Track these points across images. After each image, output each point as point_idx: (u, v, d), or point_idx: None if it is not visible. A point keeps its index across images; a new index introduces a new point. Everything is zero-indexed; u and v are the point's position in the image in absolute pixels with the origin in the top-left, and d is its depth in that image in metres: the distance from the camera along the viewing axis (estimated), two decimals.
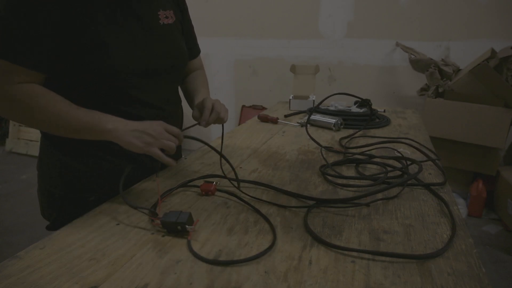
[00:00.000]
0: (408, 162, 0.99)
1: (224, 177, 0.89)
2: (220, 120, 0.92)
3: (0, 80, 0.74)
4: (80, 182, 0.90)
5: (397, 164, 1.02)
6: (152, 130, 0.78)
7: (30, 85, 0.76)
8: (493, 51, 2.44)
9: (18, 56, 0.73)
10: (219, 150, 0.91)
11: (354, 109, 1.56)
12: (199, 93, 1.04)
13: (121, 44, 0.82)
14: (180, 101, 1.07)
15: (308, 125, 1.47)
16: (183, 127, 1.02)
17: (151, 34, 0.88)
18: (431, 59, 2.71)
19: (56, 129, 0.78)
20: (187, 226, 0.65)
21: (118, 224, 0.70)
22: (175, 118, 1.02)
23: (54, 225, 0.94)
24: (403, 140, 1.24)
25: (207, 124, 0.90)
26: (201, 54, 1.18)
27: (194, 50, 1.13)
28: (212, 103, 0.91)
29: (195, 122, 0.93)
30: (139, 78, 0.87)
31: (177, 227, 0.66)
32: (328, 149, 1.16)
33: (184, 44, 1.02)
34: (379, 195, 0.82)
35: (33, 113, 0.76)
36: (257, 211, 0.76)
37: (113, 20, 0.81)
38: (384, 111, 1.77)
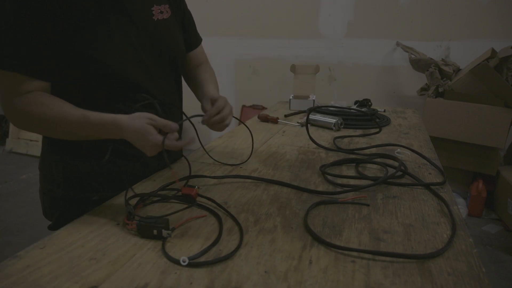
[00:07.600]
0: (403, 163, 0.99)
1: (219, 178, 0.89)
2: (222, 126, 0.92)
3: (8, 92, 0.75)
4: (82, 182, 0.90)
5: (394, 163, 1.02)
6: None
7: (32, 94, 0.76)
8: (493, 51, 2.43)
9: (20, 65, 0.73)
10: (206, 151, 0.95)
11: (354, 109, 1.56)
12: (209, 84, 1.05)
13: (115, 48, 0.81)
14: (180, 93, 1.06)
15: (308, 124, 1.47)
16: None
17: (144, 32, 0.87)
18: (431, 59, 2.71)
19: (64, 130, 0.78)
20: (163, 231, 0.64)
21: (118, 224, 0.70)
22: (173, 109, 1.00)
23: (57, 224, 0.94)
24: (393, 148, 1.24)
25: (207, 123, 0.90)
26: None
27: (194, 40, 1.10)
28: (224, 106, 0.91)
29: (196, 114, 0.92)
30: (136, 77, 0.86)
31: (153, 232, 0.65)
32: (328, 149, 1.16)
33: (181, 37, 1.00)
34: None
35: (40, 121, 0.76)
36: (230, 214, 0.74)
37: (105, 24, 0.80)
38: (384, 111, 1.77)
